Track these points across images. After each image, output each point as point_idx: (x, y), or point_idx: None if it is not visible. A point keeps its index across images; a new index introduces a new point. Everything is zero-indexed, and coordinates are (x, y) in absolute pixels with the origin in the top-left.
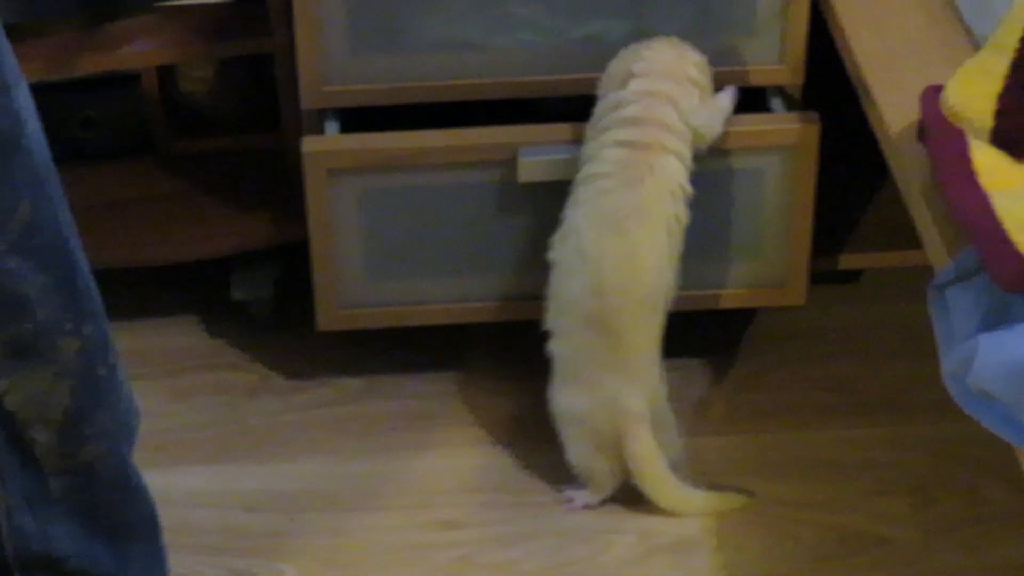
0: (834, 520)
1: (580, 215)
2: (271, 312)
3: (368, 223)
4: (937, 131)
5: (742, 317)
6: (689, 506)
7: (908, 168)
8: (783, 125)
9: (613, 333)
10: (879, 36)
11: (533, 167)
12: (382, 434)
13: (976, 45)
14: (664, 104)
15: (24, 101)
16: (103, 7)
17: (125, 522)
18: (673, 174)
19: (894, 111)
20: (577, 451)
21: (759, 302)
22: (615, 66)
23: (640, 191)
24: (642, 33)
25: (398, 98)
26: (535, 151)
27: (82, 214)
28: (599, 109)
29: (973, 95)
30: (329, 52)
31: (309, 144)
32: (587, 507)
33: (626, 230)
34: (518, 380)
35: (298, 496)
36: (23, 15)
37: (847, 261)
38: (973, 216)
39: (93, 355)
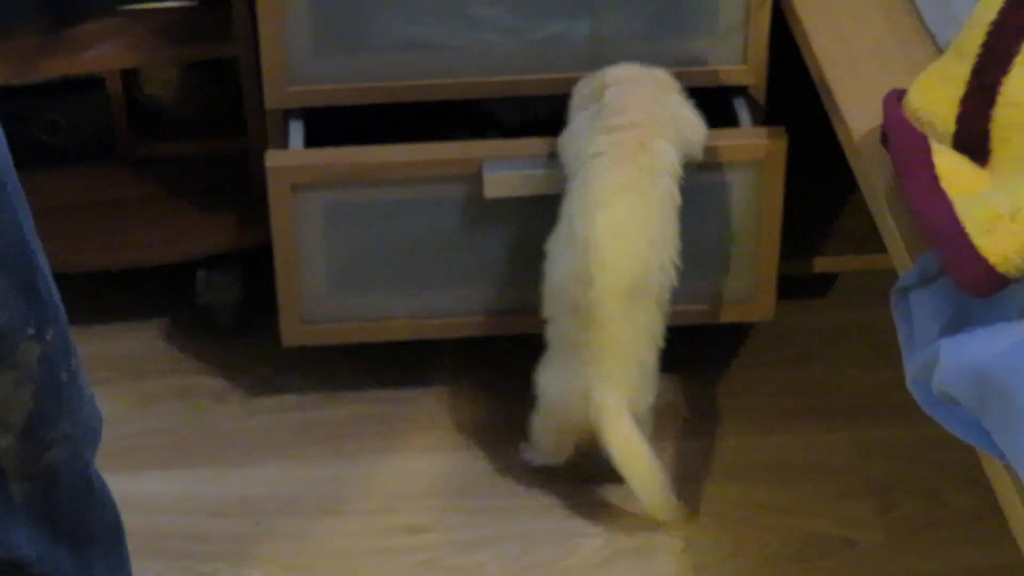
0: (798, 524)
1: (574, 200)
2: (236, 317)
3: (332, 238)
4: (900, 135)
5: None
6: (667, 507)
7: (871, 172)
8: (750, 140)
9: (595, 323)
10: (842, 41)
11: (497, 182)
12: (347, 439)
13: (939, 49)
14: (647, 98)
15: None
16: (63, 9)
17: (88, 527)
18: (664, 152)
19: (857, 115)
20: (540, 422)
21: (726, 317)
22: (585, 85)
23: (630, 168)
24: (604, 33)
25: (362, 98)
26: (499, 166)
27: (46, 218)
28: (577, 123)
29: (935, 99)
30: (293, 52)
31: (273, 159)
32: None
33: (616, 207)
34: (483, 385)
35: (263, 501)
36: None
37: (818, 264)
38: (936, 220)
39: (55, 360)
